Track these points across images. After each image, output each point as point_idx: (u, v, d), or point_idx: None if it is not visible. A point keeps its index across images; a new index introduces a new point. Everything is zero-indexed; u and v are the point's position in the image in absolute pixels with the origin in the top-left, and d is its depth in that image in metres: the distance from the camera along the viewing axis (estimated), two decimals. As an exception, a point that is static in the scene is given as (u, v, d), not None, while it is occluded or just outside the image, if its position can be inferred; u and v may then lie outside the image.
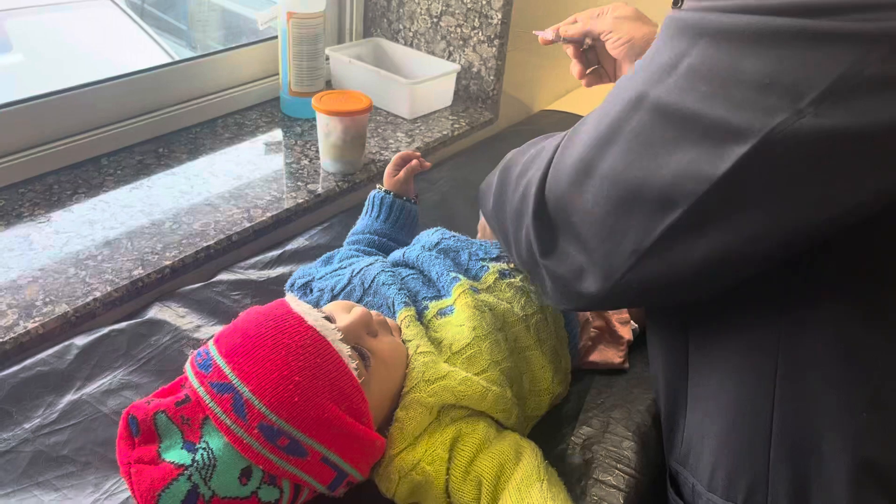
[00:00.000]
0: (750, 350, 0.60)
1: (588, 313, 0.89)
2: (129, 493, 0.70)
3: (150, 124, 1.28)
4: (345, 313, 0.70)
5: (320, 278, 0.86)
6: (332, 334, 0.65)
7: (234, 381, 0.60)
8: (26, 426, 0.76)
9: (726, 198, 0.50)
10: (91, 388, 0.81)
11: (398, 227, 1.00)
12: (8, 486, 0.70)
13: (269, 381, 0.60)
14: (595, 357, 0.90)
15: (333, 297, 0.81)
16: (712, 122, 0.49)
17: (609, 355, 0.90)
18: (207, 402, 0.60)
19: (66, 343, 0.86)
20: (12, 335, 0.84)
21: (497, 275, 0.82)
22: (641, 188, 0.53)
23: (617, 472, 0.77)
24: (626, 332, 0.90)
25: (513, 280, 0.82)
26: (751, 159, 0.48)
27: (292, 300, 0.68)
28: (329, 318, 0.68)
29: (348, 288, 0.81)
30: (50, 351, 0.85)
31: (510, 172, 0.72)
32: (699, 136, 0.50)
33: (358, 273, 0.82)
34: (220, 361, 0.62)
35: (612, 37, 0.95)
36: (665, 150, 0.52)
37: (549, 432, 0.82)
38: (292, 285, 0.90)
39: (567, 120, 1.61)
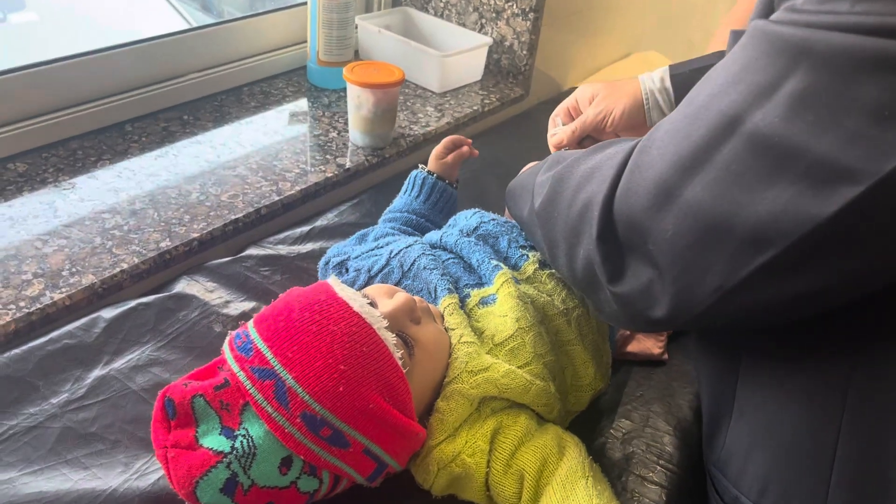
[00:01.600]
0: (817, 372, 0.56)
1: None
2: (160, 473, 0.68)
3: (174, 90, 1.24)
4: (387, 298, 0.67)
5: (356, 258, 0.83)
6: (378, 322, 0.62)
7: (276, 368, 0.58)
8: (53, 401, 0.74)
9: (830, 240, 0.45)
10: (119, 363, 0.79)
11: (437, 209, 0.97)
12: (36, 462, 0.68)
13: (313, 369, 0.58)
14: (633, 347, 0.88)
15: (370, 279, 0.78)
16: (818, 159, 0.44)
17: (647, 346, 0.88)
18: (248, 388, 0.58)
19: (94, 315, 0.84)
20: (39, 306, 0.82)
21: (537, 264, 0.79)
22: (731, 223, 0.49)
23: (659, 468, 0.75)
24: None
25: (553, 270, 0.79)
26: (863, 202, 0.43)
27: (336, 283, 0.66)
28: (372, 304, 0.66)
29: (386, 269, 0.78)
30: (77, 323, 0.83)
31: (563, 185, 0.67)
32: (802, 172, 0.45)
33: (397, 254, 0.79)
34: (262, 346, 0.60)
35: (608, 120, 0.94)
36: (760, 185, 0.47)
37: (588, 425, 0.80)
38: (327, 263, 0.87)
39: (598, 98, 1.56)
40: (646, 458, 0.76)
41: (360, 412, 0.58)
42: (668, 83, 0.93)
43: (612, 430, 0.80)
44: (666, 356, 0.89)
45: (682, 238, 0.52)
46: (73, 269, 0.88)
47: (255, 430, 0.57)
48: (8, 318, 0.80)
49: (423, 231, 0.92)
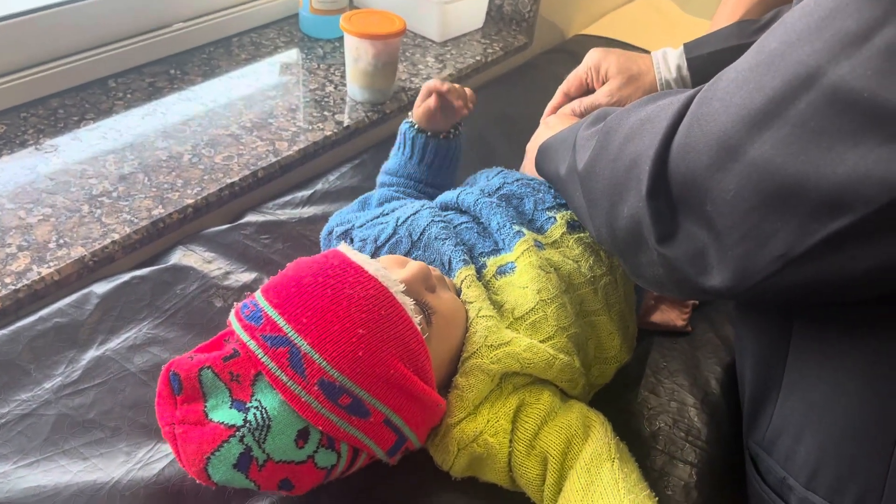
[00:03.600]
0: (879, 346, 0.53)
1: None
2: (165, 462, 0.64)
3: (159, 42, 1.16)
4: (399, 268, 0.63)
5: (360, 226, 0.77)
6: (396, 286, 0.59)
7: (290, 334, 0.54)
8: (47, 385, 0.69)
9: None
10: (115, 342, 0.74)
11: (436, 170, 0.89)
12: (31, 453, 0.64)
13: (330, 334, 0.54)
14: (656, 318, 0.84)
15: (377, 249, 0.73)
16: None
17: (671, 317, 0.84)
18: (260, 356, 0.54)
19: (85, 291, 0.79)
20: (26, 282, 0.77)
21: (565, 228, 0.74)
22: (803, 185, 0.44)
23: (687, 445, 0.72)
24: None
25: (582, 234, 0.74)
26: None
27: (347, 249, 0.62)
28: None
29: (394, 239, 0.73)
30: (68, 300, 0.77)
31: (610, 138, 0.61)
32: (892, 132, 0.40)
33: (404, 222, 0.74)
34: (272, 313, 0.56)
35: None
36: (842, 145, 0.42)
37: (610, 399, 0.76)
38: (330, 233, 0.82)
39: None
40: (673, 434, 0.73)
41: (380, 378, 0.55)
42: (685, 71, 0.89)
43: (636, 406, 0.76)
44: (689, 328, 0.85)
45: (746, 200, 0.48)
46: (61, 241, 0.82)
47: (268, 401, 0.54)
48: (-7, 297, 0.75)
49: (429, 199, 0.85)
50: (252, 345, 0.55)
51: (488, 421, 0.62)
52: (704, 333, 0.86)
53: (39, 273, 0.78)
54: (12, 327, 0.73)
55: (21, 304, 0.76)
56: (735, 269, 0.50)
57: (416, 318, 0.59)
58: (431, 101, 0.85)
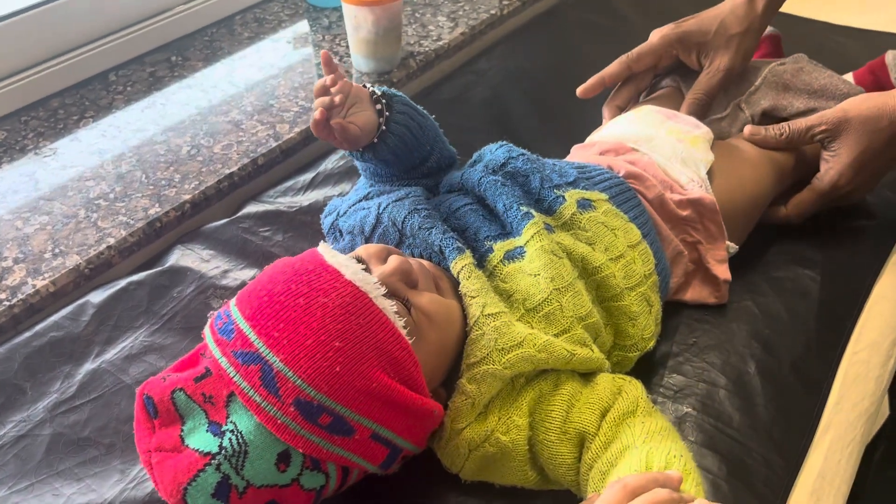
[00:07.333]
0: None
1: (680, 245, 0.74)
2: (158, 481, 0.62)
3: (159, 28, 1.13)
4: (380, 263, 0.58)
5: (344, 214, 0.71)
6: (375, 289, 0.53)
7: (261, 350, 0.50)
8: (41, 404, 0.68)
9: None
10: (111, 353, 0.72)
11: (402, 160, 0.71)
12: (25, 477, 0.63)
13: (304, 349, 0.50)
14: (688, 295, 0.76)
15: (367, 242, 0.68)
16: None
17: (703, 294, 0.76)
18: (232, 375, 0.51)
19: (81, 301, 0.77)
20: (21, 296, 0.75)
21: (576, 207, 0.67)
22: None
23: (717, 433, 0.65)
24: (722, 272, 0.75)
25: (594, 213, 0.67)
26: None
27: (325, 250, 0.56)
28: (367, 269, 0.57)
29: (380, 229, 0.67)
30: (63, 312, 0.76)
31: None
32: None
33: (386, 209, 0.67)
34: (244, 326, 0.52)
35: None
36: None
37: (633, 383, 0.70)
38: (322, 224, 0.76)
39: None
40: (700, 420, 0.67)
41: (362, 393, 0.51)
42: None
43: (661, 388, 0.70)
44: (725, 298, 0.77)
45: None
46: (56, 250, 0.80)
47: (244, 423, 0.50)
48: (-11, 314, 0.73)
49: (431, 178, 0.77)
50: (224, 362, 0.51)
51: (499, 419, 0.58)
52: (740, 300, 0.78)
53: (34, 286, 0.76)
54: (8, 345, 0.72)
55: (18, 319, 0.75)
56: None
57: (400, 322, 0.54)
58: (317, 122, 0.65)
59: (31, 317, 0.76)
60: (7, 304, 0.74)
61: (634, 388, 0.60)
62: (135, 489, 0.62)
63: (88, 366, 0.71)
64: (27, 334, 0.73)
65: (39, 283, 0.76)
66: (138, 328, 0.75)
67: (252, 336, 0.51)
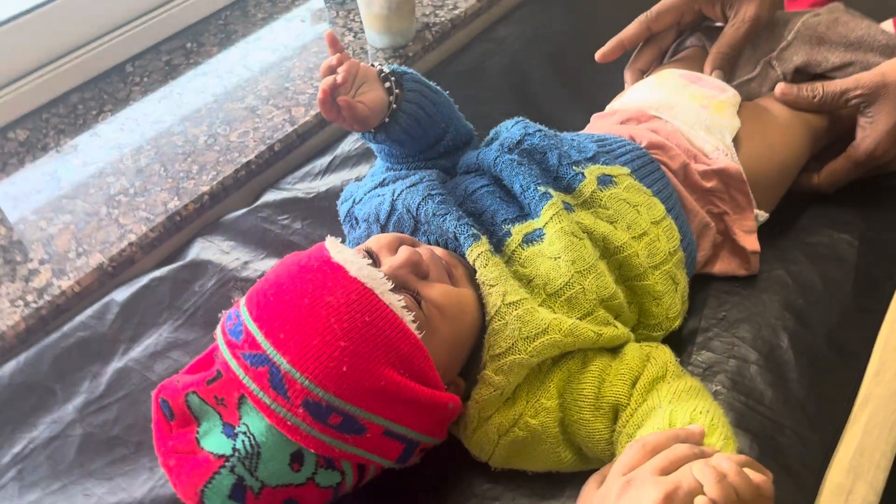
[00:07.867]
0: None
1: (706, 216, 0.71)
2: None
3: (174, 15, 1.12)
4: (390, 254, 0.57)
5: (359, 202, 0.70)
6: (381, 284, 0.53)
7: (269, 352, 0.50)
8: (71, 405, 0.69)
9: None
10: (136, 350, 0.73)
11: (415, 141, 0.70)
12: (58, 478, 0.64)
13: (310, 350, 0.50)
14: (717, 268, 0.73)
15: (382, 229, 0.67)
16: None
17: (732, 267, 0.73)
18: (241, 377, 0.51)
19: (106, 300, 0.78)
20: (47, 298, 0.76)
21: (596, 184, 0.65)
22: None
23: (748, 411, 0.63)
24: (750, 243, 0.71)
25: (615, 189, 0.65)
26: None
27: (332, 245, 0.56)
28: (375, 262, 0.56)
29: (395, 216, 0.65)
30: (89, 312, 0.77)
31: None
32: None
33: (400, 195, 0.65)
34: (252, 327, 0.52)
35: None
36: None
37: (661, 362, 0.68)
38: (339, 211, 0.75)
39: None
40: (731, 398, 0.65)
41: (371, 392, 0.50)
42: None
43: (690, 365, 0.68)
44: (756, 269, 0.74)
45: None
46: (80, 249, 0.81)
47: (255, 425, 0.50)
48: (17, 318, 0.75)
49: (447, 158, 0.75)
50: (233, 364, 0.51)
51: (527, 402, 0.58)
52: (772, 269, 0.74)
53: (60, 287, 0.77)
54: (37, 347, 0.74)
55: (45, 320, 0.76)
56: None
57: (409, 316, 0.53)
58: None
59: (57, 317, 0.77)
60: (35, 305, 0.76)
61: (663, 353, 0.59)
62: (163, 487, 0.63)
63: (115, 364, 0.72)
64: (55, 335, 0.75)
65: (65, 284, 0.77)
66: (162, 324, 0.75)
67: (260, 338, 0.51)
